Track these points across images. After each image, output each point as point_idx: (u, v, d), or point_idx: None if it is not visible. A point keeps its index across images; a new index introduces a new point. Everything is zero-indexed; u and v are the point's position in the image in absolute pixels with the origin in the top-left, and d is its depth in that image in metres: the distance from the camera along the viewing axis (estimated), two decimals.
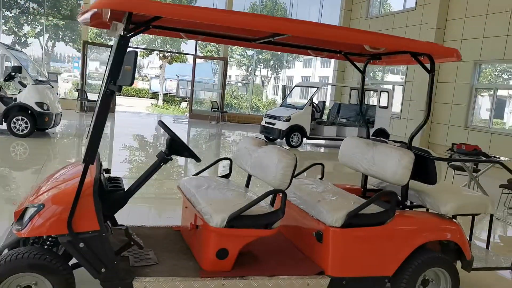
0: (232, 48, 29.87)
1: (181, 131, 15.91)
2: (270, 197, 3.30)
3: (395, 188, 4.01)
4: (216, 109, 18.99)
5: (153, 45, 37.65)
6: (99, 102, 2.74)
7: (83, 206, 2.75)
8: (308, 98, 13.27)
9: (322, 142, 14.69)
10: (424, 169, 3.58)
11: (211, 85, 24.34)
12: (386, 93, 14.16)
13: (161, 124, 3.32)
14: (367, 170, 3.82)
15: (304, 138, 13.16)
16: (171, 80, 40.17)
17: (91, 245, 2.79)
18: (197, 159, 3.30)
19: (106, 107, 2.76)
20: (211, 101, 19.61)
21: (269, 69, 42.02)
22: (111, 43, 19.25)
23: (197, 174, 4.11)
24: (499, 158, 7.31)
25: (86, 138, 3.69)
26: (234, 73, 41.55)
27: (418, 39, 3.45)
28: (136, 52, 2.63)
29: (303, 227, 3.59)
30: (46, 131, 11.36)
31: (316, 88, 13.39)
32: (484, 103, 14.65)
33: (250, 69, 39.13)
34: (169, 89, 39.36)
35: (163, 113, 25.51)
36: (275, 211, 3.16)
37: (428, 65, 3.51)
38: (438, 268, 3.46)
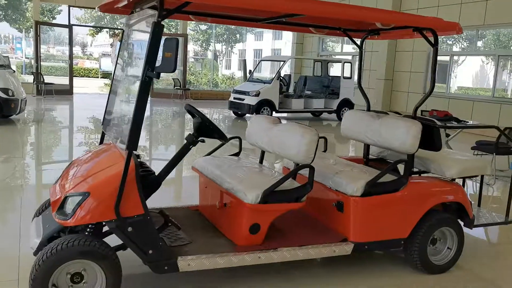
0: (188, 23, 29.34)
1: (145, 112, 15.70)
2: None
3: (397, 156, 4.27)
4: (179, 87, 18.81)
5: (102, 22, 36.36)
6: (138, 89, 2.78)
7: (128, 191, 2.82)
8: (276, 72, 13.41)
9: (290, 115, 14.92)
10: (429, 137, 3.84)
11: None
12: (349, 64, 14.51)
13: (189, 107, 3.39)
14: (374, 141, 4.04)
15: (274, 112, 13.35)
16: None
17: (138, 228, 2.87)
18: (226, 140, 3.40)
19: (145, 94, 2.80)
20: (173, 79, 19.38)
21: (223, 44, 41.68)
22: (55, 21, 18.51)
23: (209, 154, 4.20)
24: (468, 122, 7.80)
25: (102, 124, 3.71)
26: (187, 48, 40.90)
27: (377, 8, 3.56)
28: (177, 40, 2.68)
29: (321, 199, 3.79)
30: (11, 117, 10.96)
31: (282, 62, 13.54)
32: (440, 70, 15.30)
33: (204, 44, 38.68)
34: None
35: None
36: (304, 185, 3.34)
37: (431, 39, 3.72)
38: (446, 228, 3.78)
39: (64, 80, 18.27)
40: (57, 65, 26.57)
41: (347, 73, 14.50)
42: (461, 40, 15.06)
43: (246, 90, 13.35)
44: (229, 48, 43.33)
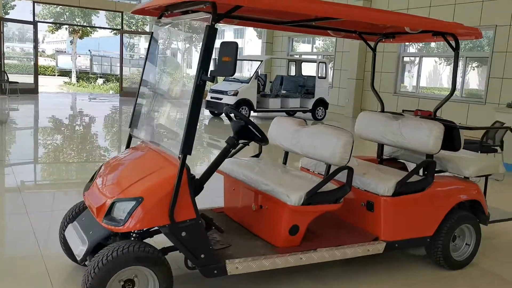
0: (148, 19, 28.86)
1: (112, 111, 15.45)
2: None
3: (411, 156, 4.42)
4: None
5: (62, 19, 35.20)
6: (192, 92, 2.75)
7: (181, 196, 2.80)
8: (253, 71, 13.45)
9: (267, 114, 15.00)
10: (449, 138, 3.98)
11: (137, 61, 23.55)
12: (324, 64, 14.74)
13: (230, 109, 3.37)
14: (394, 142, 4.15)
15: (252, 112, 13.39)
16: (79, 56, 38.03)
17: (191, 233, 2.85)
18: (267, 142, 3.41)
19: (200, 97, 2.79)
20: None
21: (186, 42, 41.22)
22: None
23: (232, 156, 4.19)
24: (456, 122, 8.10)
25: (129, 127, 3.65)
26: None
27: (407, 13, 3.70)
28: (236, 44, 2.68)
29: (349, 199, 3.86)
30: None
31: (260, 61, 13.60)
32: (411, 70, 15.80)
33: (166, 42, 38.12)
34: (78, 65, 37.20)
35: (82, 92, 24.34)
36: (342, 186, 3.41)
37: (452, 43, 3.86)
38: (465, 225, 3.95)
39: (28, 79, 17.63)
40: (18, 64, 25.50)
41: (322, 73, 14.71)
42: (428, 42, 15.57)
43: (223, 89, 13.33)
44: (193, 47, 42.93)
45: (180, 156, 2.79)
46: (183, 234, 2.83)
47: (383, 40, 4.55)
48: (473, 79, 15.99)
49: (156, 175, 2.93)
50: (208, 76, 2.77)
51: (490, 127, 5.92)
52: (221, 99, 13.26)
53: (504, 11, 11.75)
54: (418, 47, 15.71)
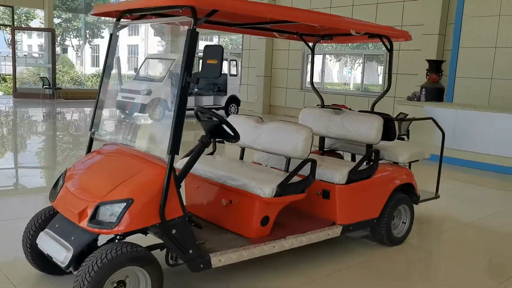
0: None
1: (5, 115, 14.45)
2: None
3: (350, 147, 4.85)
4: (48, 86, 17.46)
5: None
6: (177, 94, 2.84)
7: (169, 195, 2.88)
8: (167, 69, 13.35)
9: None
10: (386, 129, 4.45)
11: (34, 60, 21.97)
12: (235, 62, 15.05)
13: (201, 109, 3.47)
14: (338, 135, 4.54)
15: (166, 111, 13.29)
16: None
17: (180, 230, 2.94)
18: (238, 139, 3.52)
19: (185, 99, 2.88)
20: (41, 77, 17.89)
21: (80, 39, 39.20)
22: None
23: (187, 155, 4.25)
24: None
25: (90, 130, 3.61)
26: (36, 42, 37.51)
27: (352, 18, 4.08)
28: (222, 47, 2.81)
29: None
30: None
31: (173, 60, 13.52)
32: (315, 67, 16.69)
33: (59, 38, 35.96)
34: None
35: None
36: (307, 177, 3.69)
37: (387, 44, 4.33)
38: (402, 205, 4.46)
39: None
40: None
41: (233, 71, 15.01)
42: None
43: (136, 88, 13.03)
44: (86, 44, 40.90)
45: (168, 155, 2.86)
46: (174, 231, 2.92)
47: (321, 40, 4.92)
48: (373, 75, 17.37)
49: (141, 176, 2.96)
50: (192, 77, 2.87)
51: (417, 119, 6.56)
52: (133, 98, 12.97)
53: (396, 13, 12.93)
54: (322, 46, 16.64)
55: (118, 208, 2.80)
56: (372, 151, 4.23)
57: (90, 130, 3.66)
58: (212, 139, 3.43)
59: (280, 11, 3.31)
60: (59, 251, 2.90)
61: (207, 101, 14.52)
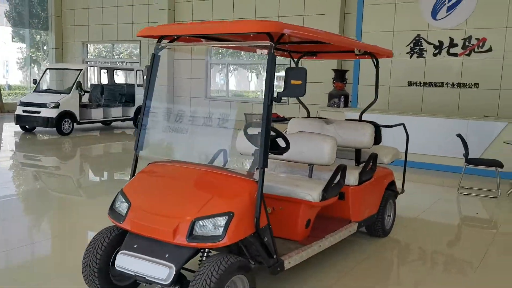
0: None
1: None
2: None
3: (340, 153, 5.38)
4: None
5: None
6: (264, 113, 3.06)
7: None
8: (74, 81, 12.67)
9: (90, 126, 14.21)
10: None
11: None
12: (141, 72, 14.79)
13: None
14: None
15: (75, 124, 12.61)
16: None
17: (268, 237, 3.17)
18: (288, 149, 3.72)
19: (270, 116, 3.12)
20: None
21: None
22: None
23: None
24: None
25: (135, 149, 3.63)
26: None
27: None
28: (305, 69, 3.10)
29: None
30: None
31: (79, 70, 12.87)
32: (218, 76, 17.12)
33: None
34: None
35: None
36: (338, 181, 4.10)
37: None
38: (389, 201, 5.11)
39: None
40: None
41: (140, 81, 14.74)
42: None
43: (40, 102, 12.14)
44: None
45: (260, 168, 3.07)
46: (266, 239, 3.14)
47: (305, 57, 5.38)
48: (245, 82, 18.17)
49: (233, 190, 3.12)
50: (276, 97, 3.13)
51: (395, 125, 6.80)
52: (39, 112, 12.06)
53: None
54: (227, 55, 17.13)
55: (222, 221, 2.93)
56: (373, 155, 4.80)
57: (135, 149, 3.67)
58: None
59: (322, 35, 3.70)
60: (159, 270, 2.92)
61: (116, 112, 14.05)
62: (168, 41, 3.80)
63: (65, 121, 12.25)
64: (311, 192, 3.78)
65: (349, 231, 4.34)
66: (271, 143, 3.66)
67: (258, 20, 3.19)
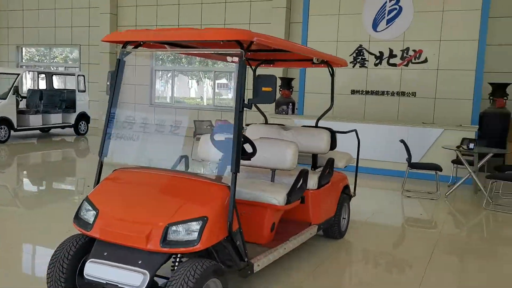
0: None
1: None
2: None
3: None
4: None
5: None
6: (236, 120, 3.10)
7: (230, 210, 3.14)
8: (11, 85, 12.06)
9: (27, 133, 13.53)
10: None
11: None
12: (83, 77, 14.34)
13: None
14: None
15: (12, 131, 12.00)
16: None
17: (240, 240, 3.22)
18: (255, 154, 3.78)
19: (241, 123, 3.17)
20: None
21: None
22: None
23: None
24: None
25: (99, 155, 3.57)
26: None
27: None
28: (275, 77, 3.18)
29: None
30: None
31: (17, 75, 12.27)
32: (159, 82, 16.90)
33: None
34: None
35: None
36: (301, 185, 4.21)
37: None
38: (344, 204, 5.32)
39: None
40: None
41: (81, 87, 14.27)
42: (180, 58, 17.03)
43: None
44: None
45: (233, 174, 3.12)
46: (238, 243, 3.18)
47: (262, 64, 5.49)
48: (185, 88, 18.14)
49: (205, 195, 3.14)
50: (247, 104, 3.19)
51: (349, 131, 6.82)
52: None
53: None
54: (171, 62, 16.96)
55: (196, 226, 2.95)
56: (331, 160, 4.97)
57: (100, 155, 3.60)
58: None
59: (288, 44, 3.82)
60: (132, 276, 2.89)
61: (56, 119, 13.50)
62: (133, 46, 3.77)
63: (1, 128, 11.63)
64: (277, 196, 3.87)
65: (310, 233, 4.47)
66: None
67: (229, 28, 3.25)
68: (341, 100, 12.17)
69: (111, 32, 16.15)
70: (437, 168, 7.79)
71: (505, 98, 10.33)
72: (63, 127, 14.02)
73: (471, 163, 8.01)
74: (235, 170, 3.13)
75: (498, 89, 10.35)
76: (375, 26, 11.69)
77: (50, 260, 3.18)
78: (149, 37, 3.55)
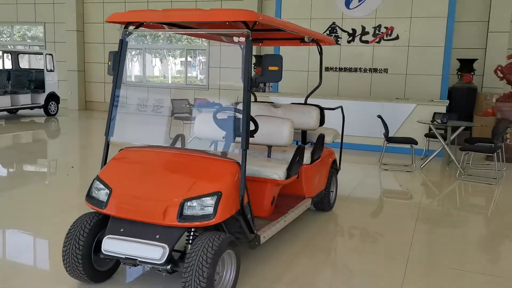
0: None
1: None
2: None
3: None
4: None
5: None
6: (244, 99, 3.22)
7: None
8: None
9: None
10: None
11: None
12: (51, 56, 13.96)
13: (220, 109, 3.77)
14: None
15: None
16: None
17: (250, 213, 3.37)
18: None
19: (249, 101, 3.30)
20: None
21: None
22: None
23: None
24: None
25: (106, 135, 3.63)
26: None
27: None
28: (282, 57, 3.30)
29: None
30: None
31: None
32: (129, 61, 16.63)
33: None
34: None
35: None
36: (298, 160, 4.38)
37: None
38: (334, 177, 5.54)
39: None
40: None
41: (50, 66, 13.90)
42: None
43: None
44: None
45: (243, 150, 3.25)
46: (248, 216, 3.34)
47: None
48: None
49: (217, 172, 3.27)
50: (255, 82, 3.31)
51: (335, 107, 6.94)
52: None
53: None
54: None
55: (211, 201, 3.08)
56: (321, 136, 5.15)
57: (106, 135, 3.65)
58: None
59: (285, 24, 3.93)
60: (153, 250, 3.00)
61: (24, 99, 13.15)
62: (134, 27, 3.79)
63: None
64: (277, 171, 4.03)
65: (305, 206, 4.68)
66: (240, 126, 3.86)
67: (235, 9, 3.32)
68: (315, 76, 12.37)
69: (77, 8, 15.73)
70: (413, 142, 8.13)
71: (472, 73, 10.78)
72: (32, 108, 13.69)
73: (443, 137, 8.41)
74: (245, 147, 3.26)
75: (466, 65, 10.78)
76: (347, 3, 11.85)
77: (65, 238, 3.25)
78: (155, 18, 3.58)
